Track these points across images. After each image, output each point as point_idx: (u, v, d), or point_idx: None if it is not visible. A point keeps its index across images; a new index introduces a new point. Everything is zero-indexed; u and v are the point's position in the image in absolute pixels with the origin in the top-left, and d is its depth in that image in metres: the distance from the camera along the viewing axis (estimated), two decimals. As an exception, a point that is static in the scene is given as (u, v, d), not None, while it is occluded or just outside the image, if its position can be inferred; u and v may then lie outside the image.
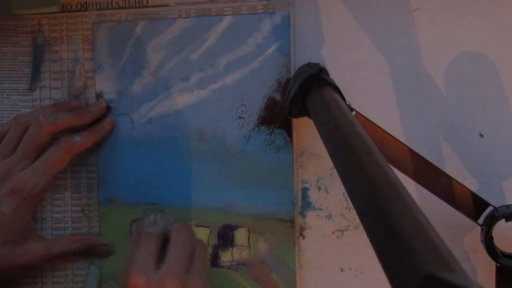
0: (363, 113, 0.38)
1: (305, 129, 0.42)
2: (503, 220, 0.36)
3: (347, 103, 0.36)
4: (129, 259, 0.35)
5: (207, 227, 0.42)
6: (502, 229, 0.39)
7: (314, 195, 0.42)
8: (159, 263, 0.35)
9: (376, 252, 0.22)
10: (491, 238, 0.37)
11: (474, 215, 0.37)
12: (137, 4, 0.43)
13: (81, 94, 0.43)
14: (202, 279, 0.35)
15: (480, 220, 0.37)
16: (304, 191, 0.42)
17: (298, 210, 0.42)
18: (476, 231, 0.40)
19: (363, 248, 0.42)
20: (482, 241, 0.37)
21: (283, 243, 0.42)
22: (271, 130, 0.42)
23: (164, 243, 0.37)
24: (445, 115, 0.41)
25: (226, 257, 0.42)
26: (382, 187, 0.24)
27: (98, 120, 0.43)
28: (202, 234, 0.42)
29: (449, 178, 0.37)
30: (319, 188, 0.42)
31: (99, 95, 0.43)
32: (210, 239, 0.42)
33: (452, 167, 0.41)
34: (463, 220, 0.38)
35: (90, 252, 0.42)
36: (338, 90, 0.37)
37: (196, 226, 0.42)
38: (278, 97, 0.42)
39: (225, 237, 0.42)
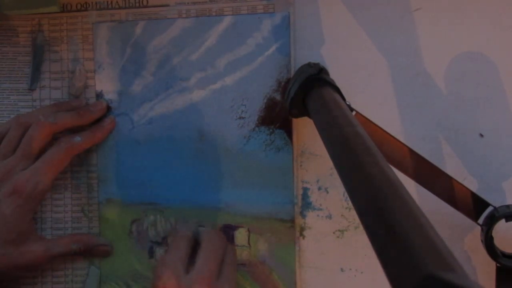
0: (363, 113, 0.38)
1: (305, 129, 0.42)
2: (503, 220, 0.36)
3: (347, 103, 0.36)
4: (160, 260, 0.36)
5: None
6: (502, 229, 0.39)
7: (314, 195, 0.42)
8: (190, 265, 0.35)
9: (376, 252, 0.22)
10: (491, 238, 0.37)
11: (474, 215, 0.37)
12: (137, 4, 0.43)
13: (81, 94, 0.43)
14: (232, 285, 0.35)
15: (480, 220, 0.37)
16: (304, 191, 0.42)
17: (298, 210, 0.42)
18: (476, 231, 0.40)
19: (363, 248, 0.42)
20: (482, 241, 0.37)
21: (283, 243, 0.42)
22: (271, 130, 0.42)
23: (194, 245, 0.38)
24: (445, 115, 0.41)
25: (226, 257, 0.42)
26: (382, 187, 0.24)
27: (98, 120, 0.43)
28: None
29: (449, 178, 0.37)
30: (319, 188, 0.42)
31: (99, 95, 0.43)
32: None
33: (452, 167, 0.41)
34: (463, 220, 0.38)
35: (90, 252, 0.42)
36: (338, 90, 0.37)
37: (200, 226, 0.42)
38: (278, 97, 0.42)
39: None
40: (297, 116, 0.39)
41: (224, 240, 0.39)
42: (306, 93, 0.37)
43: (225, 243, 0.39)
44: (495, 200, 0.38)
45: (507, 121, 0.41)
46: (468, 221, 0.37)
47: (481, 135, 0.41)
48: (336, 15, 0.42)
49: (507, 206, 0.37)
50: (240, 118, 0.42)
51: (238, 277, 0.42)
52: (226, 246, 0.39)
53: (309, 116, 0.37)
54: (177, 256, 0.36)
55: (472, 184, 0.40)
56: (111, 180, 0.43)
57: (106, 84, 0.43)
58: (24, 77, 0.44)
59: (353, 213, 0.42)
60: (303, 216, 0.42)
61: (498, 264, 0.37)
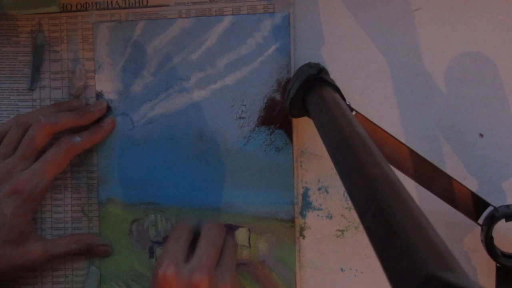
0: (363, 113, 0.38)
1: (305, 129, 0.42)
2: (503, 220, 0.36)
3: (347, 103, 0.36)
4: (161, 251, 0.36)
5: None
6: (502, 229, 0.39)
7: (314, 195, 0.42)
8: (190, 256, 0.36)
9: (376, 252, 0.22)
10: (491, 238, 0.37)
11: (474, 215, 0.37)
12: (137, 4, 0.43)
13: (81, 94, 0.43)
14: (231, 274, 0.36)
15: (480, 220, 0.37)
16: (304, 191, 0.42)
17: (298, 210, 0.42)
18: (476, 231, 0.40)
19: (363, 248, 0.42)
20: (482, 241, 0.37)
21: (283, 243, 0.42)
22: (271, 130, 0.42)
23: (195, 237, 0.38)
24: (445, 115, 0.41)
25: (226, 257, 0.42)
26: (382, 187, 0.24)
27: (98, 120, 0.43)
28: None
29: (449, 178, 0.37)
30: (319, 188, 0.42)
31: (99, 95, 0.43)
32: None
33: (452, 167, 0.41)
34: (463, 220, 0.38)
35: (90, 252, 0.42)
36: (338, 90, 0.37)
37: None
38: (278, 97, 0.42)
39: (225, 237, 0.42)
40: (297, 116, 0.39)
41: (224, 229, 0.39)
42: (306, 93, 0.37)
43: (224, 232, 0.39)
44: (495, 200, 0.38)
45: (507, 121, 0.41)
46: (468, 221, 0.37)
47: (481, 135, 0.41)
48: (336, 15, 0.42)
49: (507, 206, 0.37)
50: (240, 118, 0.42)
51: (238, 276, 0.42)
52: (225, 235, 0.39)
53: (309, 116, 0.37)
54: (177, 246, 0.36)
55: (472, 184, 0.40)
56: (111, 180, 0.43)
57: (106, 84, 0.43)
58: (24, 77, 0.44)
59: (353, 213, 0.42)
60: (303, 216, 0.42)
61: (498, 264, 0.37)
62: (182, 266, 0.34)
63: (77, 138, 0.40)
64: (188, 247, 0.37)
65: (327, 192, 0.42)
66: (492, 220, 0.36)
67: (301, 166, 0.42)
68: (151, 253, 0.43)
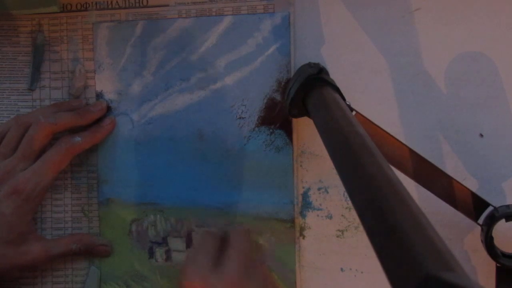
0: (363, 113, 0.38)
1: (305, 129, 0.42)
2: (503, 220, 0.36)
3: (347, 103, 0.36)
4: (187, 258, 0.35)
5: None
6: (502, 229, 0.39)
7: (314, 195, 0.42)
8: (216, 264, 0.35)
9: (376, 252, 0.22)
10: (491, 238, 0.37)
11: (474, 215, 0.37)
12: (137, 4, 0.43)
13: (81, 94, 0.43)
14: (260, 283, 0.35)
15: (480, 220, 0.37)
16: (304, 191, 0.42)
17: (298, 210, 0.42)
18: (476, 231, 0.40)
19: (363, 248, 0.42)
20: (482, 241, 0.37)
21: (283, 243, 0.42)
22: (271, 130, 0.42)
23: (221, 243, 0.37)
24: (445, 115, 0.41)
25: (226, 257, 0.42)
26: (382, 187, 0.24)
27: (98, 120, 0.43)
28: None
29: (449, 178, 0.37)
30: (319, 188, 0.42)
31: (99, 95, 0.43)
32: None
33: (452, 167, 0.41)
34: (463, 220, 0.38)
35: (90, 252, 0.42)
36: (338, 90, 0.37)
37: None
38: (278, 97, 0.42)
39: (225, 237, 0.42)
40: (297, 116, 0.39)
41: (253, 241, 0.38)
42: (306, 93, 0.37)
43: (252, 244, 0.38)
44: (495, 200, 0.38)
45: (507, 121, 0.41)
46: (468, 221, 0.37)
47: (481, 135, 0.41)
48: (336, 15, 0.42)
49: (507, 206, 0.37)
50: (240, 118, 0.42)
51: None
52: (255, 248, 0.38)
53: (309, 116, 0.37)
54: (203, 254, 0.35)
55: (472, 184, 0.40)
56: (111, 180, 0.43)
57: (106, 84, 0.43)
58: (24, 77, 0.44)
59: (353, 213, 0.42)
60: (303, 216, 0.42)
61: (498, 264, 0.37)
62: (208, 276, 0.33)
63: (77, 138, 0.40)
64: (215, 255, 0.35)
65: (327, 192, 0.42)
66: (492, 220, 0.36)
67: (301, 166, 0.42)
68: (151, 253, 0.43)
